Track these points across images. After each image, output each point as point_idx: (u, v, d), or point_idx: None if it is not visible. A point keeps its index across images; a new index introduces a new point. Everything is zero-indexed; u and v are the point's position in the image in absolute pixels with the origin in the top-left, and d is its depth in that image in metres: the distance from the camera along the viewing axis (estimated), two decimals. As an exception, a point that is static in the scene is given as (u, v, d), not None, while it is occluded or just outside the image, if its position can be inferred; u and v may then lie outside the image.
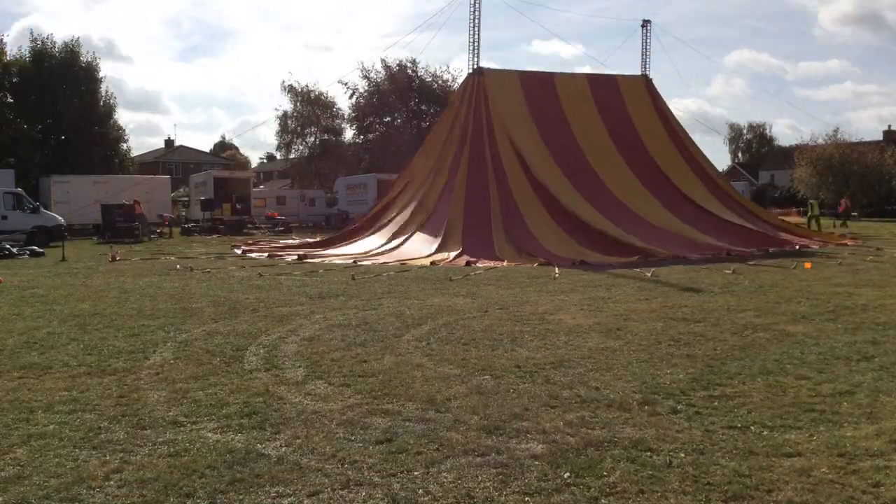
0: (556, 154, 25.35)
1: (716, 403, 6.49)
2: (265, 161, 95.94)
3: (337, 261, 20.15)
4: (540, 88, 27.71)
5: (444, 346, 8.93)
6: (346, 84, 55.35)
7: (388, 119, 54.83)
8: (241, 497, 4.64)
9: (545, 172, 24.19)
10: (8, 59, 40.92)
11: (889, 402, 6.51)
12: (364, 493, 4.68)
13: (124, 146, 47.33)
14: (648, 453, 5.31)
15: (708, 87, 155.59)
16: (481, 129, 25.26)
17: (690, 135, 29.37)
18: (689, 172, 27.92)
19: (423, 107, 53.95)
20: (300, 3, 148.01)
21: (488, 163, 24.18)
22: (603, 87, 29.18)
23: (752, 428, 5.84)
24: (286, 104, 62.93)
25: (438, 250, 20.55)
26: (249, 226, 39.22)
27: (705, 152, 30.31)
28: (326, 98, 58.17)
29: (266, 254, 22.70)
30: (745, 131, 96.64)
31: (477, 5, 26.49)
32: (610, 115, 28.07)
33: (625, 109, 28.90)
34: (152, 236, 28.11)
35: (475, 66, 26.84)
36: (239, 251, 24.39)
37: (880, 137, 61.05)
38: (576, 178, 24.52)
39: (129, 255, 22.45)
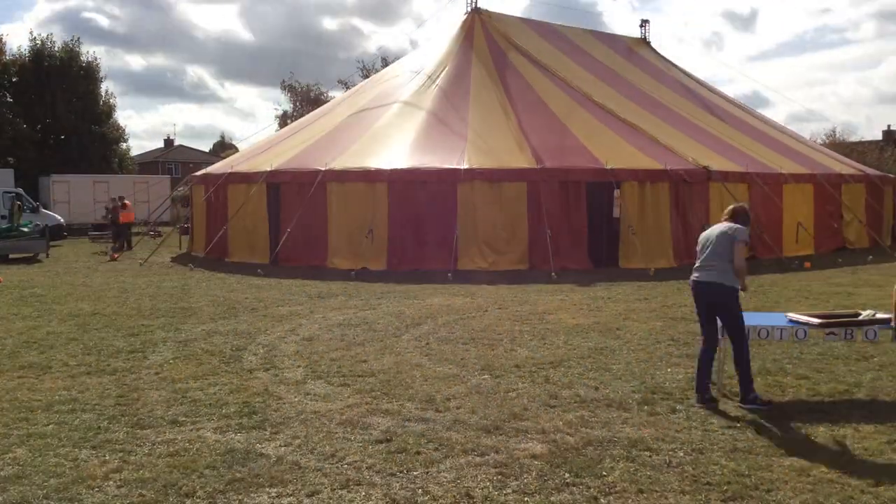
0: (622, 94, 22.68)
1: (715, 403, 6.50)
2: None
3: None
4: (555, 36, 25.96)
5: (444, 345, 8.94)
6: (346, 83, 55.37)
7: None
8: (240, 497, 4.64)
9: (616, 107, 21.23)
10: (7, 58, 40.89)
11: (888, 402, 6.52)
12: (363, 493, 4.68)
13: (124, 146, 47.38)
14: (648, 453, 5.31)
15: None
16: (506, 64, 22.19)
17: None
18: (751, 116, 26.14)
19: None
20: None
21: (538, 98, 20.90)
22: (613, 44, 27.77)
23: (751, 428, 5.85)
24: (286, 104, 62.82)
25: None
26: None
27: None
28: (327, 98, 58.18)
29: None
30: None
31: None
32: (641, 67, 26.51)
33: (652, 63, 27.64)
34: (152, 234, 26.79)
35: (474, 6, 24.88)
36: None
37: (879, 137, 61.09)
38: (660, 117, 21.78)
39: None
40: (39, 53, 40.88)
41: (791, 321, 6.87)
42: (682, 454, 5.29)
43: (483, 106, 20.17)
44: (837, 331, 6.70)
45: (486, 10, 25.00)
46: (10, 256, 20.49)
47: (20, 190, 30.40)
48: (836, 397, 6.74)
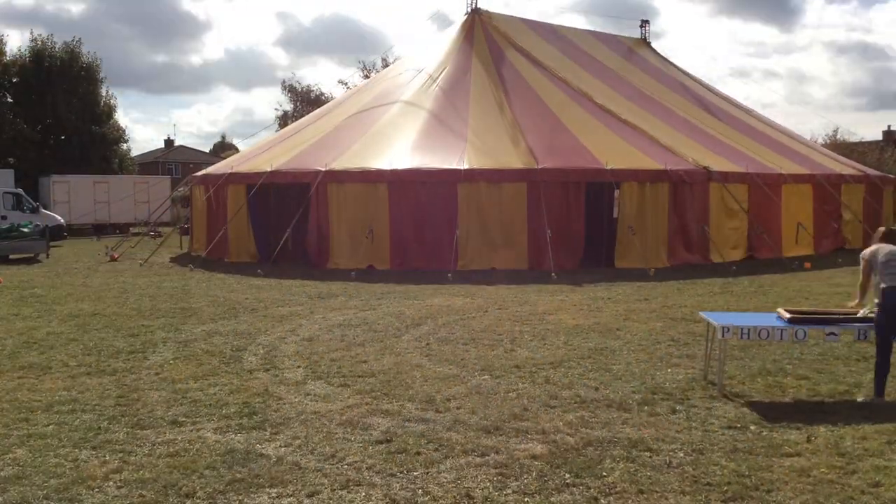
0: (625, 96, 22.59)
1: (715, 403, 6.50)
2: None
3: None
4: (555, 37, 25.91)
5: (444, 346, 8.94)
6: (346, 84, 55.32)
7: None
8: (240, 497, 4.64)
9: (621, 111, 21.03)
10: (8, 58, 40.87)
11: (888, 402, 6.52)
12: (363, 494, 4.68)
13: (124, 146, 47.38)
14: (648, 453, 5.31)
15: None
16: (506, 66, 22.00)
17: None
18: (751, 117, 25.90)
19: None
20: None
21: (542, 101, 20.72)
22: (612, 44, 27.69)
23: (751, 428, 5.85)
24: (286, 104, 62.80)
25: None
26: None
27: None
28: (328, 98, 58.10)
29: None
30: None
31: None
32: (641, 68, 26.42)
33: (652, 63, 27.53)
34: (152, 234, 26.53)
35: (473, 6, 24.69)
36: None
37: (879, 137, 61.05)
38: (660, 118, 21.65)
39: None
40: (40, 54, 40.85)
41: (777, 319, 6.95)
42: (682, 454, 5.29)
43: (483, 106, 20.15)
44: (836, 330, 6.72)
45: (486, 11, 24.98)
46: (11, 257, 20.50)
47: (20, 190, 30.40)
48: (836, 397, 6.74)
